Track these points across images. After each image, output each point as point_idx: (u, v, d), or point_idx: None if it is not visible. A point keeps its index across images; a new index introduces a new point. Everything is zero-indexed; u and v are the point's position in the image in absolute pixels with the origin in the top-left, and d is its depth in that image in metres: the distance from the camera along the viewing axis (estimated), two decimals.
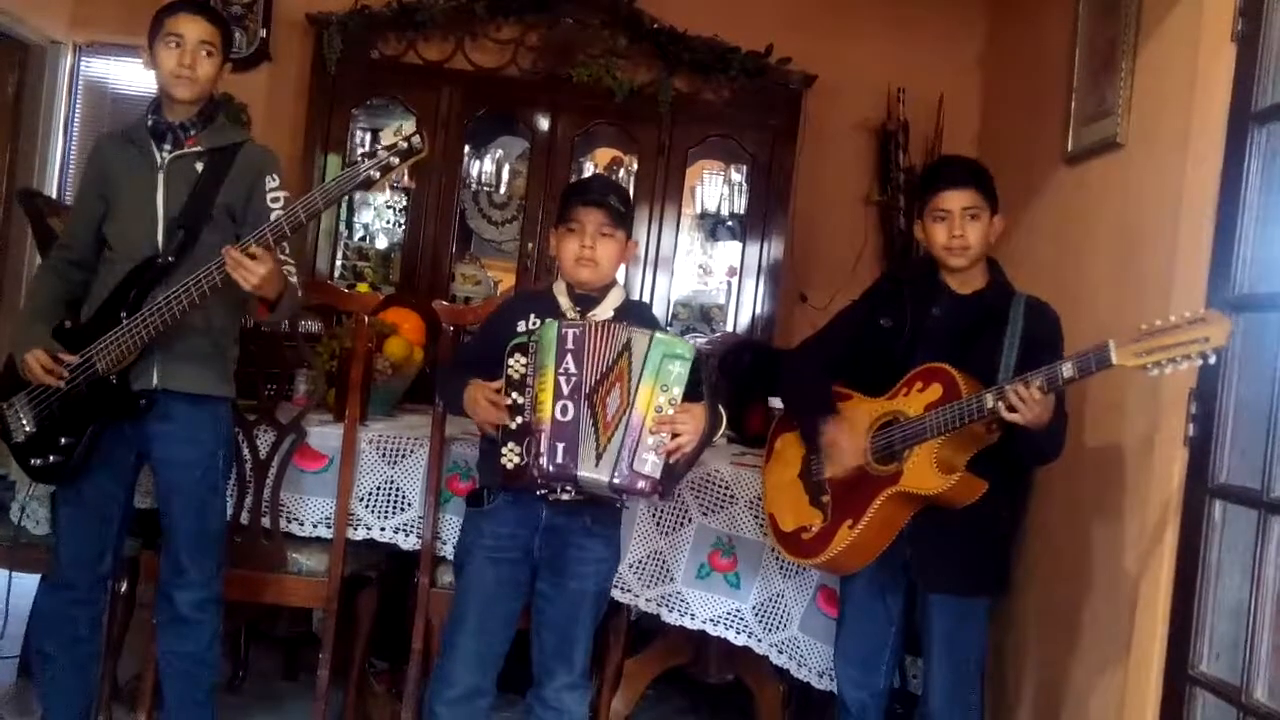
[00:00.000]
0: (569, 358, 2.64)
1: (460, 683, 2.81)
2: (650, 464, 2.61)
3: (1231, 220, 2.63)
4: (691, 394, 2.66)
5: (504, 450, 2.68)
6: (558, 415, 2.62)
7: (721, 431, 2.74)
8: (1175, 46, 3.02)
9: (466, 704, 2.82)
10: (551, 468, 2.61)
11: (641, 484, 2.62)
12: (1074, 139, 3.67)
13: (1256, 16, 2.64)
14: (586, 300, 2.87)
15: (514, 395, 2.68)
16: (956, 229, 2.90)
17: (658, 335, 2.68)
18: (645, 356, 2.65)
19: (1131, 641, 2.82)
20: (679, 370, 2.64)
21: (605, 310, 2.86)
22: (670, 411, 2.62)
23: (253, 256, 2.62)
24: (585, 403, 2.64)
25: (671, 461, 2.64)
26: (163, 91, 2.89)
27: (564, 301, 2.87)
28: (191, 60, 2.84)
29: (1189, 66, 2.87)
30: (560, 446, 2.61)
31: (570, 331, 2.66)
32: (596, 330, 2.68)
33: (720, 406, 2.75)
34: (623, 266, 4.90)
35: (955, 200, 2.91)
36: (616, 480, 2.61)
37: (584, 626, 2.86)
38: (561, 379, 2.64)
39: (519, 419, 2.67)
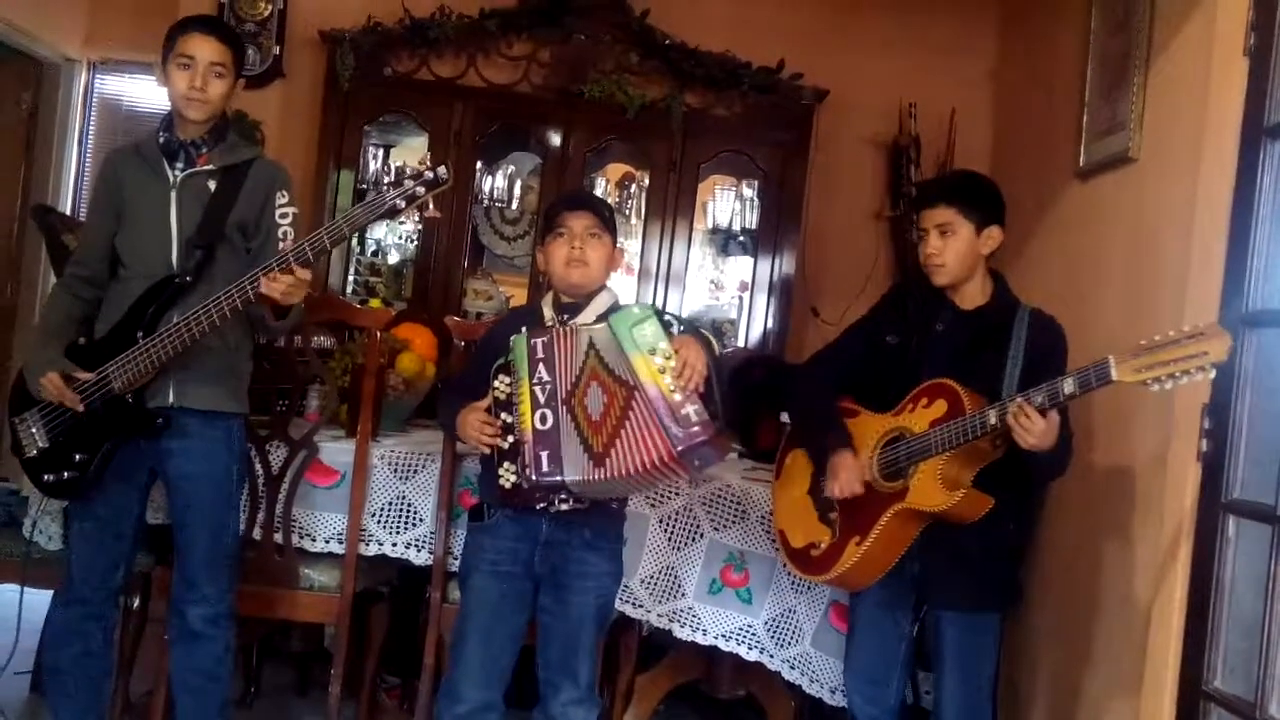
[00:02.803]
0: (540, 366, 2.66)
1: (467, 699, 2.81)
2: (694, 413, 2.56)
3: (1244, 235, 2.62)
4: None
5: (500, 470, 2.70)
6: (537, 424, 2.63)
7: (717, 348, 2.70)
8: (1187, 61, 3.02)
9: None
10: (536, 476, 2.61)
11: (700, 435, 2.55)
12: (1086, 154, 3.67)
13: (1268, 31, 2.64)
14: (572, 308, 2.87)
15: (503, 415, 2.70)
16: (931, 246, 2.93)
17: (614, 317, 2.68)
18: (618, 340, 2.63)
19: (1145, 657, 2.81)
20: (652, 329, 2.62)
21: (588, 315, 2.85)
22: (672, 362, 2.59)
23: (294, 275, 2.64)
24: (564, 408, 2.64)
25: (702, 391, 2.60)
26: (175, 110, 2.91)
27: (548, 312, 2.88)
28: (203, 82, 2.84)
29: (1201, 81, 2.87)
30: (544, 455, 2.61)
31: (538, 341, 2.67)
32: (561, 335, 2.69)
33: (699, 329, 2.73)
34: (632, 281, 5.02)
35: (928, 218, 2.96)
36: (681, 448, 2.54)
37: (588, 641, 2.85)
38: (537, 389, 2.65)
39: (510, 438, 2.68)
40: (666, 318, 2.68)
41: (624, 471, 2.59)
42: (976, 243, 2.94)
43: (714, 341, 2.70)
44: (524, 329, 2.75)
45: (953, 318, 2.98)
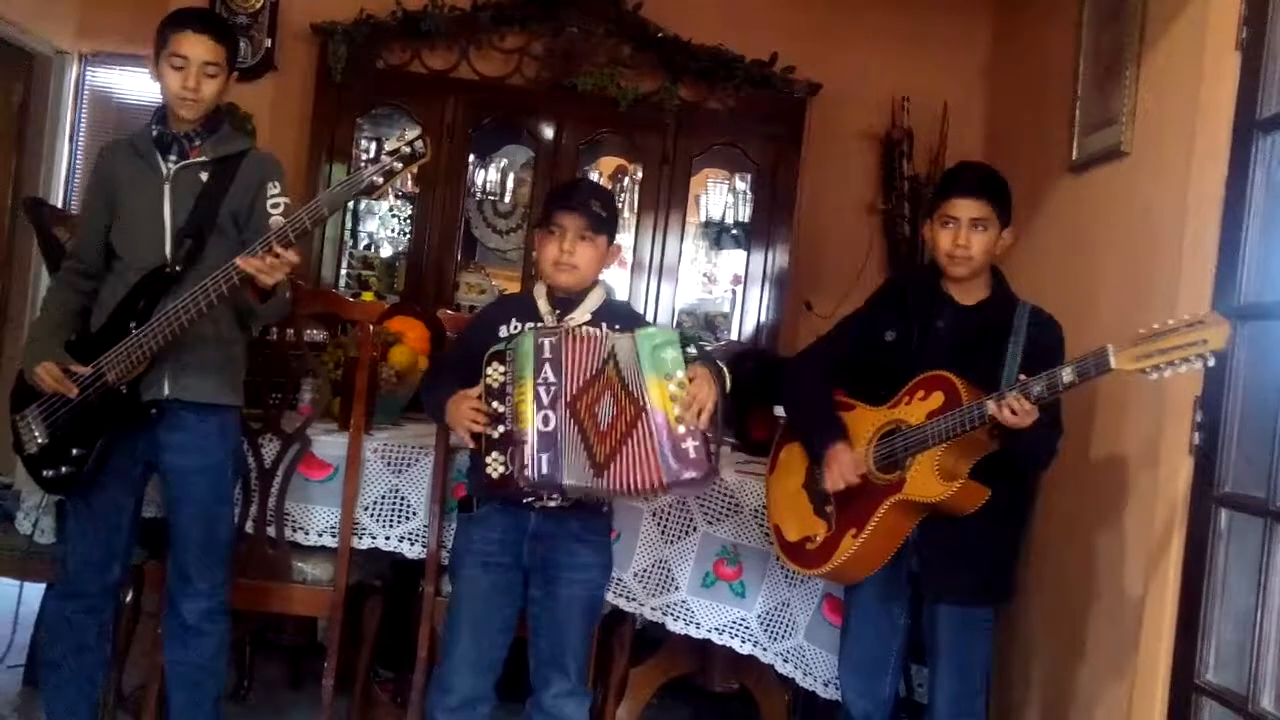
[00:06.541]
0: (547, 367, 2.63)
1: (458, 690, 2.81)
2: (694, 448, 2.57)
3: (1236, 228, 2.63)
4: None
5: (488, 459, 2.68)
6: (540, 425, 2.61)
7: (729, 384, 2.68)
8: (1179, 54, 3.02)
9: (466, 711, 2.82)
10: (536, 477, 2.61)
11: (692, 473, 2.57)
12: (1079, 147, 3.67)
13: (1260, 24, 2.64)
14: (565, 303, 2.86)
15: (494, 404, 2.68)
16: (961, 238, 2.89)
17: (639, 333, 2.65)
18: (637, 358, 2.61)
19: (1138, 650, 2.82)
20: (673, 354, 2.61)
21: (583, 313, 2.84)
22: (684, 392, 2.58)
23: (276, 255, 2.62)
24: (567, 411, 2.62)
25: (708, 432, 2.60)
26: (167, 105, 2.90)
27: (543, 305, 2.87)
28: (196, 83, 2.83)
29: (1193, 74, 2.87)
30: (544, 457, 2.60)
31: (546, 341, 2.65)
32: (573, 338, 2.67)
33: (716, 361, 2.72)
34: (625, 274, 5.02)
35: (964, 209, 2.89)
36: (670, 480, 2.57)
37: (577, 633, 2.85)
38: (541, 389, 2.63)
39: (501, 427, 2.67)
40: (690, 350, 2.66)
41: (617, 486, 2.61)
42: (997, 242, 2.93)
43: (726, 375, 2.69)
44: (528, 326, 2.75)
45: (954, 313, 2.97)
